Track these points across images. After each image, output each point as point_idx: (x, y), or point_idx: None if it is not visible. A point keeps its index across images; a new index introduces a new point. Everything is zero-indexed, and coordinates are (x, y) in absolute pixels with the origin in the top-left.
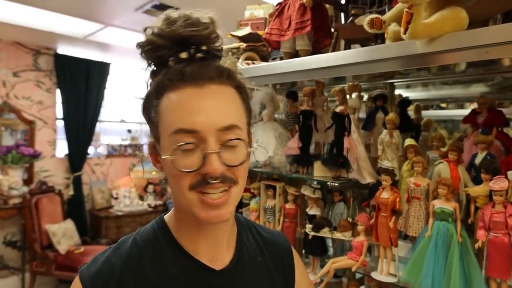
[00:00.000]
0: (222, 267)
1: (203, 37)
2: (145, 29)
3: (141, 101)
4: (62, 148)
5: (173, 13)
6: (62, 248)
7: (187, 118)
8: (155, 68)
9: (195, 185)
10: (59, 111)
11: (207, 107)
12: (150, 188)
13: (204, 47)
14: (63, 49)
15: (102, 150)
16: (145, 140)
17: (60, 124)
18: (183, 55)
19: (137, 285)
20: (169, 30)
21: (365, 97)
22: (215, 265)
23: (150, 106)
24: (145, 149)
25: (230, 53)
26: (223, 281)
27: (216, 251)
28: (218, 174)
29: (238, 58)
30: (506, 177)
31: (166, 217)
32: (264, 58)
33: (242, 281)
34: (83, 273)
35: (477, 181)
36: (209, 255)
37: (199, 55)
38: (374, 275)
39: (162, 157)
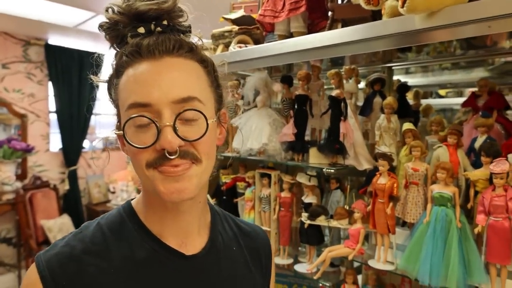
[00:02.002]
0: (193, 253)
1: (163, 11)
2: (106, 9)
3: (106, 84)
4: (56, 142)
5: None
6: None
7: (141, 90)
8: (116, 49)
9: (151, 162)
10: (52, 104)
11: (163, 79)
12: None
13: (164, 22)
14: (54, 39)
15: (98, 143)
16: None
17: (53, 117)
18: (141, 29)
19: (99, 268)
20: (126, 5)
21: (363, 84)
22: (185, 250)
23: (112, 87)
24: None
25: (219, 35)
26: (194, 266)
27: (186, 236)
28: (175, 148)
29: (230, 42)
30: (507, 160)
31: (133, 201)
32: (258, 42)
33: (215, 269)
34: (39, 258)
35: (476, 165)
36: (177, 240)
37: (158, 29)
38: (371, 263)
39: (114, 132)
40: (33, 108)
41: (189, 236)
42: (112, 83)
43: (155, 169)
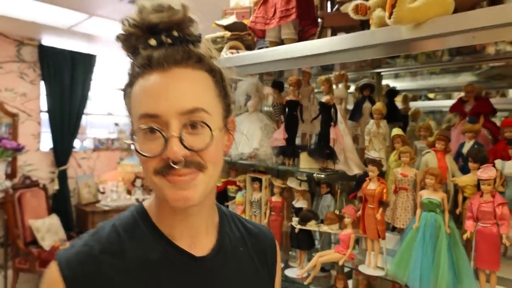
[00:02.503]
0: (203, 254)
1: (173, 23)
2: (122, 21)
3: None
4: (46, 142)
5: (145, 1)
6: (46, 244)
7: (150, 102)
8: (132, 59)
9: (159, 170)
10: (44, 104)
11: (170, 90)
12: (138, 182)
13: (174, 33)
14: (48, 40)
15: (89, 143)
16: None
17: (45, 117)
18: (152, 41)
19: (115, 268)
20: (140, 18)
21: (352, 88)
22: (195, 251)
23: (126, 96)
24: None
25: (211, 41)
26: (203, 267)
27: (195, 237)
28: (180, 159)
29: (222, 47)
30: (494, 166)
31: (146, 203)
32: (250, 48)
33: (223, 270)
34: (60, 257)
35: (465, 170)
36: (187, 241)
37: (168, 40)
38: (362, 268)
39: (126, 141)
40: (25, 107)
41: (197, 236)
42: (126, 92)
43: (163, 177)
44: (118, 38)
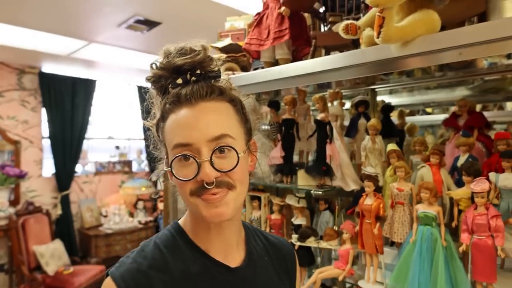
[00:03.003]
0: (236, 265)
1: (196, 63)
2: (150, 65)
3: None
4: (49, 167)
5: (170, 47)
6: (50, 269)
7: (182, 133)
8: (162, 97)
9: (194, 191)
10: (45, 130)
11: (199, 121)
12: (140, 204)
13: (198, 71)
14: (48, 67)
15: (90, 167)
16: (133, 156)
17: (46, 143)
18: (179, 80)
19: (163, 281)
20: (166, 61)
21: (348, 105)
22: (229, 263)
23: (159, 129)
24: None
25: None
26: (238, 277)
27: (228, 250)
28: (212, 180)
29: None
30: (488, 179)
31: (181, 221)
32: (245, 69)
33: (254, 278)
34: (113, 273)
35: (460, 184)
36: (221, 254)
37: (193, 78)
38: (361, 283)
39: (165, 168)
40: (27, 134)
41: (230, 250)
42: (159, 126)
43: (198, 197)
44: (148, 80)
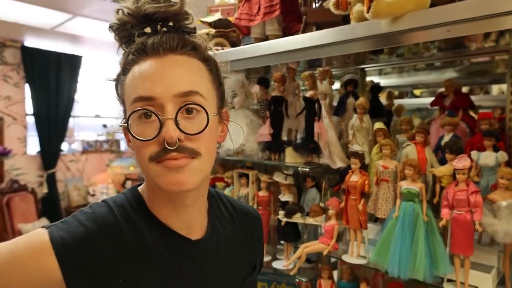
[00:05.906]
0: (197, 238)
1: (169, 13)
2: (116, 11)
3: (114, 83)
4: (33, 145)
5: None
6: None
7: (145, 85)
8: (125, 48)
9: (154, 156)
10: (29, 107)
11: (166, 74)
12: (129, 184)
13: (170, 23)
14: (31, 42)
15: (77, 146)
16: (121, 135)
17: (31, 120)
18: (147, 29)
19: (112, 250)
20: (135, 7)
21: (337, 85)
22: (190, 236)
23: (119, 84)
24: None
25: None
26: (198, 250)
27: (190, 227)
28: (174, 140)
29: None
30: (470, 157)
31: (140, 188)
32: (235, 44)
33: (216, 251)
34: (53, 233)
35: (443, 162)
36: (183, 227)
37: (163, 29)
38: (345, 257)
39: (119, 125)
40: (10, 110)
41: (193, 227)
42: (119, 80)
43: (157, 163)
44: (111, 27)
